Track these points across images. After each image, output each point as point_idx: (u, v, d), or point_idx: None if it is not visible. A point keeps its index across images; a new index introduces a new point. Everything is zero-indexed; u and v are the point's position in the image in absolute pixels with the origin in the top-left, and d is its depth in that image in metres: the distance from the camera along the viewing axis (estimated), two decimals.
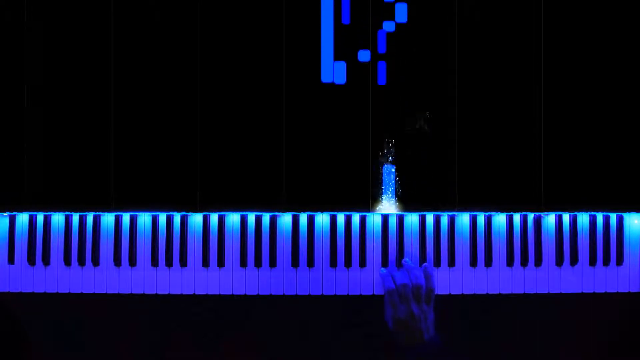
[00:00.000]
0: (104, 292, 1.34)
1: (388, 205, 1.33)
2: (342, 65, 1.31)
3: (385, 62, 1.32)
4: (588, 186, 1.34)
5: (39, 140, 1.32)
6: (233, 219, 1.35)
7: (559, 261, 1.35)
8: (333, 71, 1.31)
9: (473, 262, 1.34)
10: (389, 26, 1.31)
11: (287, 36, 1.31)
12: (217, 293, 1.34)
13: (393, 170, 1.33)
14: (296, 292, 1.33)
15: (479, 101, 1.33)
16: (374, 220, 1.35)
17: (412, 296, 1.27)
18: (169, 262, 1.34)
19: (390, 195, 1.33)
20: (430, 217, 1.35)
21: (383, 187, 1.33)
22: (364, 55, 1.32)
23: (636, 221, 1.36)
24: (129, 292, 1.33)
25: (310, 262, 1.34)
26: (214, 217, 1.34)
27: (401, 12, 1.31)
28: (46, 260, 1.33)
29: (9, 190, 1.32)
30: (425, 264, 1.32)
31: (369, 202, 1.33)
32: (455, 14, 1.33)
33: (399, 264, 1.34)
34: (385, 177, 1.33)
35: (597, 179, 1.34)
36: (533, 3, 1.33)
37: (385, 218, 1.35)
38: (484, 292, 1.35)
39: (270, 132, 1.32)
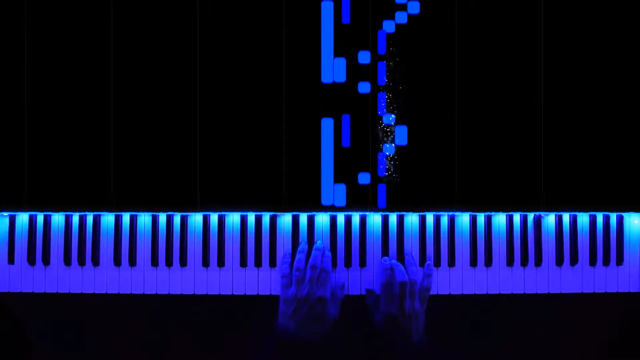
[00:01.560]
0: (104, 292, 1.34)
1: (388, 205, 1.33)
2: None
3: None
4: (588, 186, 1.34)
5: (39, 140, 1.32)
6: (233, 219, 1.35)
7: (559, 261, 1.35)
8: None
9: (473, 262, 1.34)
10: (388, 149, 1.33)
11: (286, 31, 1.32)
12: (217, 293, 1.34)
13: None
14: None
15: (479, 101, 1.33)
16: (374, 220, 1.35)
17: (407, 294, 1.27)
18: (169, 262, 1.34)
19: (390, 195, 1.33)
20: (430, 217, 1.35)
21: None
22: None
23: (636, 221, 1.36)
24: (129, 292, 1.34)
25: None
26: (214, 217, 1.34)
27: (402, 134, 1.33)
28: (46, 261, 1.33)
29: (9, 190, 1.32)
30: (428, 262, 1.33)
31: (368, 202, 1.33)
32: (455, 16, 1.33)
33: (400, 260, 1.34)
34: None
35: (597, 179, 1.34)
36: (533, 2, 1.33)
37: (385, 218, 1.35)
38: (484, 292, 1.35)
39: (271, 132, 1.32)
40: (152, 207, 1.32)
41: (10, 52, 1.32)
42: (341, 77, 1.32)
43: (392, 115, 1.32)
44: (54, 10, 1.33)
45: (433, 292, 1.33)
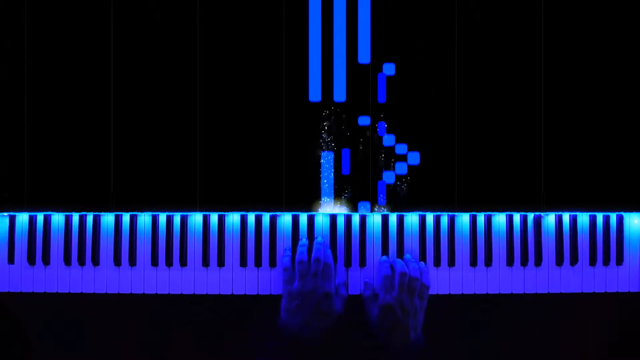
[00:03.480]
0: (104, 292, 1.34)
1: (386, 205, 1.33)
2: None
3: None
4: (588, 186, 1.34)
5: (39, 140, 1.32)
6: (233, 219, 1.35)
7: (559, 261, 1.35)
8: None
9: (473, 262, 1.34)
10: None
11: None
12: (217, 293, 1.34)
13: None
14: None
15: (479, 101, 1.33)
16: (374, 220, 1.35)
17: (406, 287, 1.27)
18: (169, 262, 1.34)
19: (389, 195, 1.33)
20: (430, 217, 1.35)
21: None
22: None
23: (636, 221, 1.36)
24: (129, 292, 1.34)
25: None
26: (214, 217, 1.34)
27: None
28: (46, 260, 1.33)
29: (9, 190, 1.32)
30: (421, 262, 1.33)
31: (368, 202, 1.33)
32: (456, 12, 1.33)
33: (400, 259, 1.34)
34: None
35: (597, 179, 1.34)
36: (533, 3, 1.34)
37: (385, 218, 1.35)
38: (484, 292, 1.35)
39: (270, 131, 1.33)
40: (152, 207, 1.32)
41: (11, 52, 1.32)
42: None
43: None
44: (55, 11, 1.32)
45: (433, 292, 1.33)
